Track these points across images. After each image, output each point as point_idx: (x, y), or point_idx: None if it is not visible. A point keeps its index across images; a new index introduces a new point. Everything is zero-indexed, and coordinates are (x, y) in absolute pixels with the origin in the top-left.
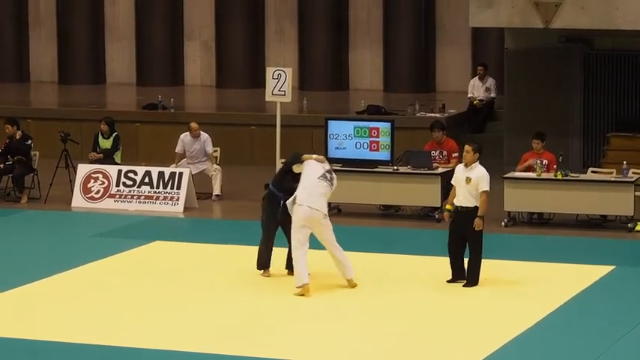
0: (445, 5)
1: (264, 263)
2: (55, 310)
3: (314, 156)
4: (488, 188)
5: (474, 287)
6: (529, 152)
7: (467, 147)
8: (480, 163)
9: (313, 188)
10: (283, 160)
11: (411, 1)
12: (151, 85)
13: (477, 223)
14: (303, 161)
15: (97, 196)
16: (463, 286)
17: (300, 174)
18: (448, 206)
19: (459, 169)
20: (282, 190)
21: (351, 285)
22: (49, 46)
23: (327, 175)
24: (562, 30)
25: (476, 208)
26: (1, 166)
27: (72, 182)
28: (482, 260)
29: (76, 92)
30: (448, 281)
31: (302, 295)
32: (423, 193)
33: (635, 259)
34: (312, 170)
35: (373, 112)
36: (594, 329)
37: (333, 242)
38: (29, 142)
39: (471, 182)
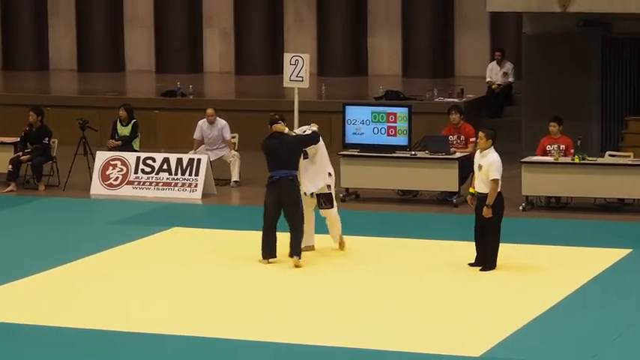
0: None
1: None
2: (73, 297)
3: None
4: (497, 176)
5: (491, 271)
6: (546, 137)
7: (480, 133)
8: (497, 147)
9: None
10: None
11: None
12: (170, 72)
13: (485, 212)
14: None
15: (115, 183)
16: (480, 270)
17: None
18: (471, 189)
19: (477, 154)
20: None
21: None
22: (68, 34)
23: None
24: (580, 14)
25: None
26: (23, 156)
27: (90, 169)
28: (500, 245)
29: (95, 80)
30: (470, 264)
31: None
32: (440, 178)
33: None
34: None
35: (391, 98)
36: (612, 312)
37: None
38: (46, 140)
39: (482, 169)
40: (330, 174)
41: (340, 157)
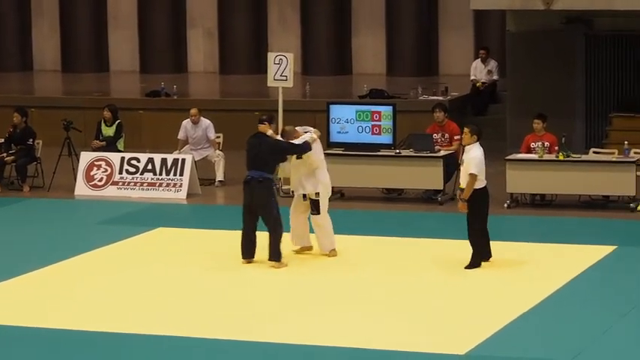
0: None
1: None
2: (59, 298)
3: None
4: (474, 171)
5: (475, 269)
6: (530, 135)
7: (465, 129)
8: (481, 144)
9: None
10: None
11: None
12: (154, 72)
13: (460, 207)
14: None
15: (100, 183)
16: (465, 267)
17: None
18: (461, 185)
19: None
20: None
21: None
22: (52, 35)
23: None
24: (562, 11)
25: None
26: (7, 157)
27: (75, 170)
28: None
29: (79, 80)
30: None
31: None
32: (425, 176)
33: (637, 239)
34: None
35: (376, 96)
36: (597, 308)
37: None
38: (31, 141)
39: (464, 164)
40: (321, 181)
41: (325, 156)
